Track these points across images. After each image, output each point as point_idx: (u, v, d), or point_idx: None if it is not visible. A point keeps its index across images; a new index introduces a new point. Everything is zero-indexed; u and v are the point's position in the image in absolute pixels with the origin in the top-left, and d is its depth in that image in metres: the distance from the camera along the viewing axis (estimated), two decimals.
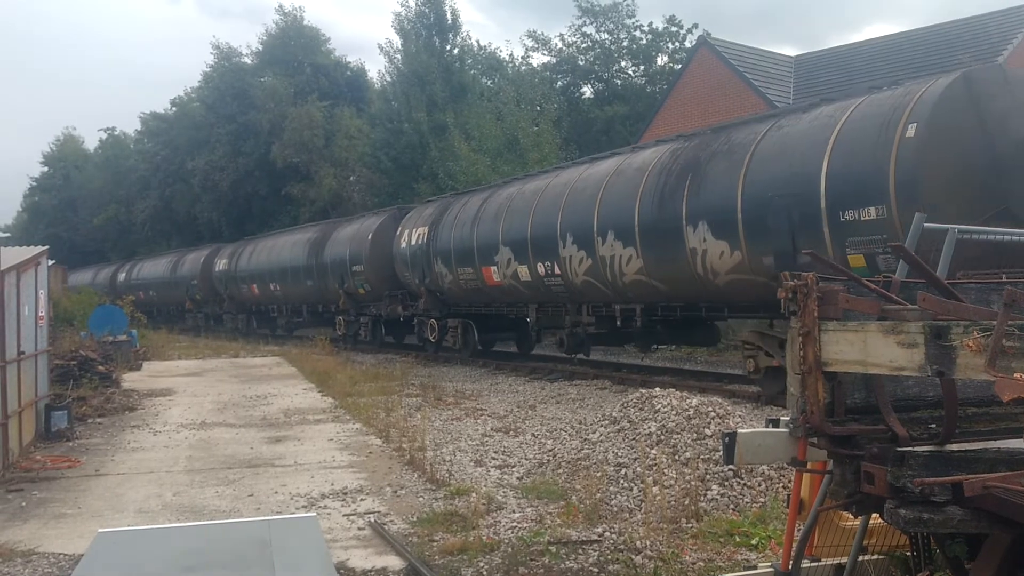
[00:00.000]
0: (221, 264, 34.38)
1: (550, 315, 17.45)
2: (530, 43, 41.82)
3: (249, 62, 47.97)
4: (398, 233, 21.98)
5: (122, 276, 46.05)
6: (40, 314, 11.35)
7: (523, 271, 16.91)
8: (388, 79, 38.80)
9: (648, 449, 7.53)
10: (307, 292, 27.41)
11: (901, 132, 9.85)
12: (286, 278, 28.59)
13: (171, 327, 37.27)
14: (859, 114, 10.67)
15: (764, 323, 12.59)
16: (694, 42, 32.30)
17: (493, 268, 17.86)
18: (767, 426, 3.89)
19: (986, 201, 9.55)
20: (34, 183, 71.46)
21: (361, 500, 7.49)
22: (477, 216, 18.70)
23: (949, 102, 9.82)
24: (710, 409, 8.04)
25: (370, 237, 23.12)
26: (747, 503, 6.68)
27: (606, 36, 39.63)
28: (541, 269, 16.34)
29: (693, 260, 12.59)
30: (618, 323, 15.03)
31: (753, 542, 5.81)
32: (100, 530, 4.45)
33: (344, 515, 6.99)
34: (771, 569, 4.46)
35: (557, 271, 15.85)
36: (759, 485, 6.91)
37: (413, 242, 20.77)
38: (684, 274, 12.94)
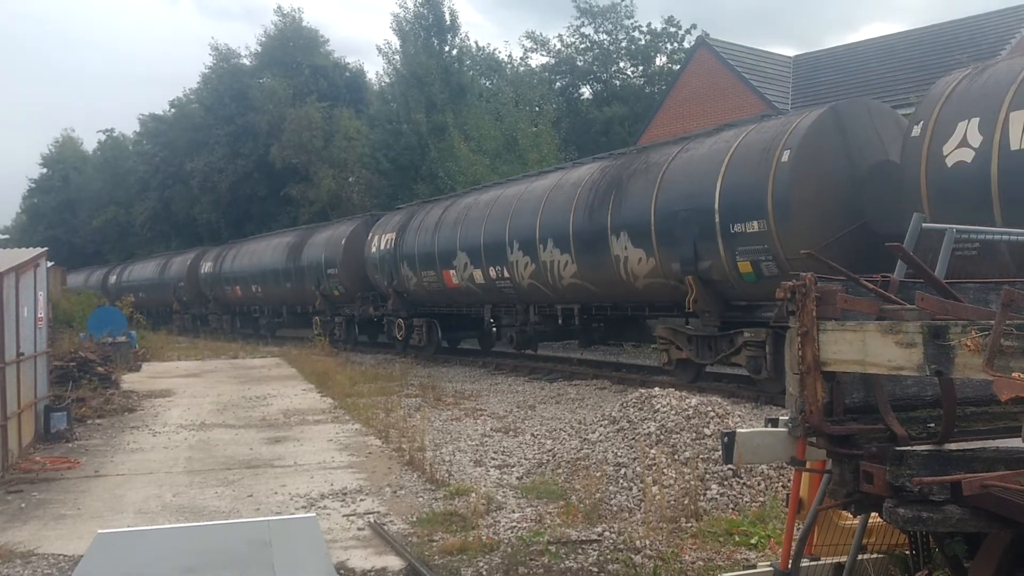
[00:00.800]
0: (206, 267, 35.57)
1: (503, 314, 19.21)
2: (529, 44, 41.88)
3: (248, 63, 47.95)
4: (369, 238, 23.72)
5: (113, 278, 46.95)
6: (39, 315, 11.35)
7: (478, 275, 18.46)
8: (387, 80, 38.85)
9: (647, 449, 7.53)
10: (286, 294, 28.81)
11: (778, 157, 11.40)
12: (267, 280, 29.92)
13: (158, 328, 37.64)
14: (748, 140, 12.27)
15: (679, 321, 13.92)
16: (692, 43, 32.35)
17: (452, 271, 19.34)
18: (766, 426, 3.90)
19: (848, 217, 11.12)
20: (33, 185, 71.41)
21: (361, 500, 7.49)
22: (438, 224, 20.25)
23: (818, 132, 11.38)
24: (709, 409, 8.05)
25: (343, 242, 24.70)
26: (746, 502, 6.69)
27: (605, 37, 39.70)
28: (493, 273, 17.86)
29: (617, 265, 14.23)
30: (560, 321, 16.70)
31: (752, 541, 5.82)
32: (99, 531, 4.45)
33: (344, 515, 7.00)
34: (770, 568, 4.47)
35: (507, 275, 17.44)
36: (758, 484, 6.92)
37: (382, 247, 22.57)
38: (611, 278, 14.55)
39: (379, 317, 24.12)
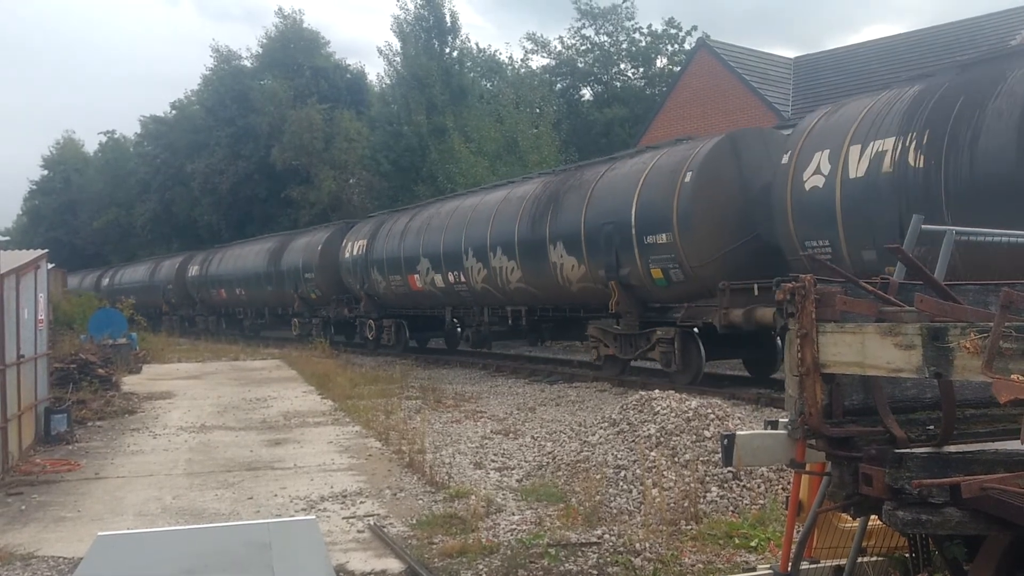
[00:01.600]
0: (193, 270, 37.25)
1: (462, 315, 20.88)
2: (529, 45, 41.82)
3: (249, 65, 48.01)
4: (343, 245, 25.51)
5: (106, 281, 48.16)
6: (40, 317, 11.36)
7: (439, 279, 20.12)
8: (387, 82, 38.87)
9: (647, 451, 7.53)
10: (268, 296, 30.53)
11: (682, 178, 13.04)
12: (250, 283, 31.67)
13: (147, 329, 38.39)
14: (660, 162, 13.93)
15: (610, 321, 15.13)
16: (693, 44, 32.38)
17: (416, 276, 21.05)
18: (766, 428, 3.90)
19: (742, 230, 12.79)
20: (34, 186, 71.48)
21: (361, 503, 7.49)
22: (404, 232, 22.00)
23: (716, 156, 13.02)
24: (709, 411, 8.05)
25: (320, 248, 26.42)
26: (746, 505, 6.68)
27: (605, 38, 39.69)
28: (451, 277, 19.55)
29: (555, 271, 15.89)
30: (510, 322, 18.25)
31: (752, 544, 5.82)
32: (100, 533, 4.45)
33: (344, 518, 6.99)
34: (770, 571, 4.46)
35: (463, 279, 19.05)
36: (758, 487, 6.92)
37: (355, 253, 24.34)
38: (550, 282, 16.22)
39: (352, 318, 25.65)
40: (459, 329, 21.99)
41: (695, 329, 13.31)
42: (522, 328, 18.44)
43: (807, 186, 11.47)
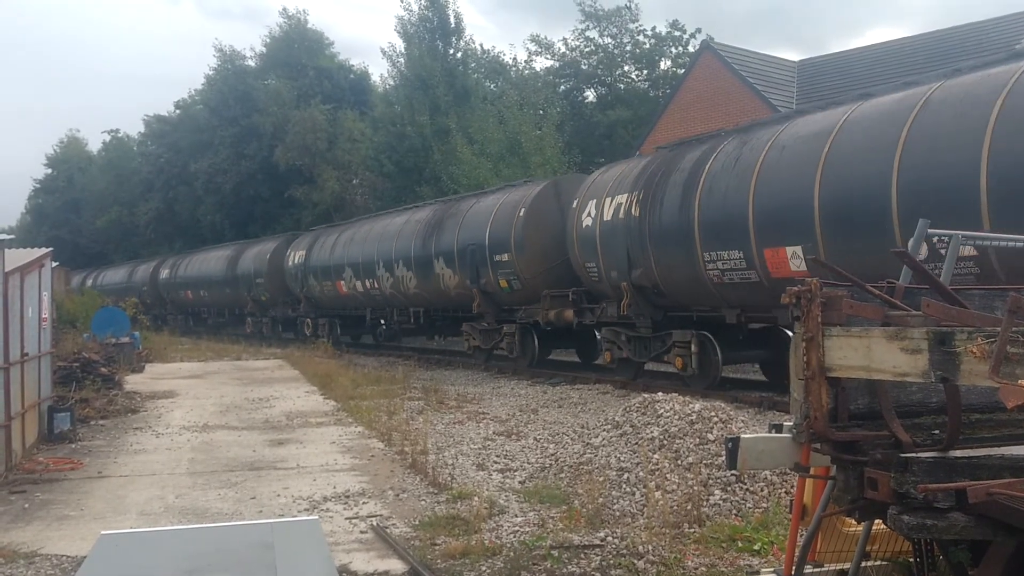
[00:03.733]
0: (164, 273, 41.65)
1: (378, 315, 25.05)
2: (533, 47, 41.67)
3: (252, 65, 48.04)
4: (287, 254, 29.91)
5: (89, 282, 49.73)
6: (43, 316, 11.37)
7: (359, 285, 24.40)
8: (391, 83, 38.85)
9: (651, 454, 7.52)
10: (226, 298, 34.71)
11: (518, 212, 17.38)
12: (211, 286, 35.65)
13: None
14: (506, 199, 18.41)
15: (478, 320, 19.48)
16: (697, 47, 32.29)
17: (343, 282, 25.29)
18: (770, 432, 3.89)
19: (559, 252, 16.76)
20: (38, 185, 71.62)
21: (363, 503, 7.49)
22: (334, 245, 26.31)
23: (542, 197, 17.37)
24: (712, 414, 8.03)
25: (268, 256, 30.68)
26: (750, 508, 6.67)
27: (609, 40, 39.63)
28: (368, 284, 23.79)
29: (439, 280, 20.24)
30: (411, 321, 22.71)
31: (756, 547, 5.81)
32: (103, 532, 4.44)
33: (346, 518, 6.99)
34: (774, 574, 4.45)
35: (376, 286, 23.33)
36: (762, 490, 6.91)
37: (296, 261, 28.84)
38: (436, 289, 20.59)
39: (295, 317, 29.84)
40: (384, 328, 26.03)
41: (530, 324, 17.86)
42: (422, 325, 23.04)
43: (583, 224, 15.75)
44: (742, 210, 11.82)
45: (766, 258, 11.57)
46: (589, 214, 15.44)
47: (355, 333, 28.17)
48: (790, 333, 11.47)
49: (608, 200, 14.93)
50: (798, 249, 11.01)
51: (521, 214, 17.17)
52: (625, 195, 14.48)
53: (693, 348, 13.40)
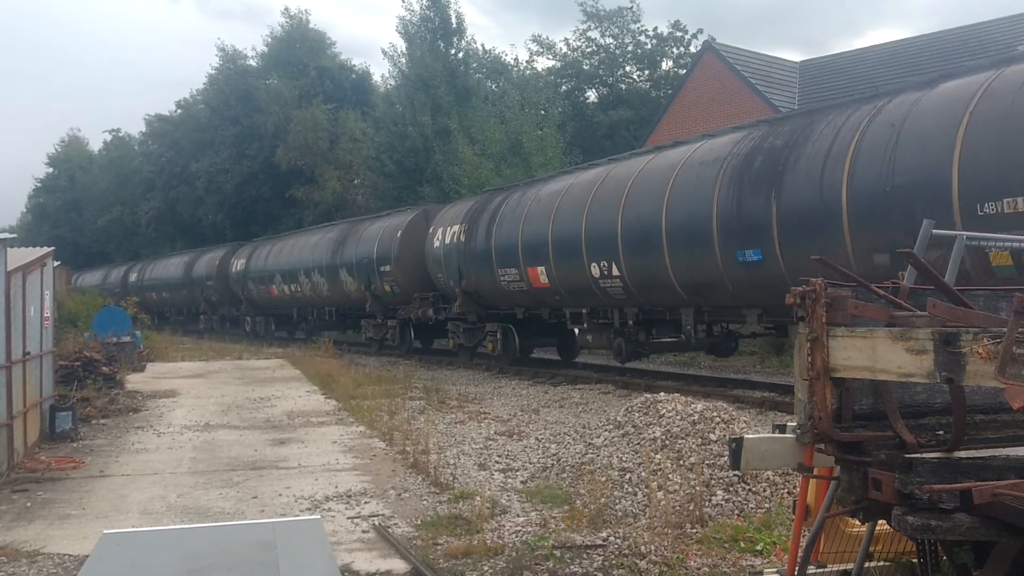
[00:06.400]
0: (133, 276, 46.91)
1: (303, 314, 30.66)
2: (535, 47, 41.67)
3: (254, 64, 48.04)
4: (232, 262, 35.39)
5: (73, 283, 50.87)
6: (45, 315, 11.37)
7: (286, 289, 30.26)
8: (392, 83, 38.85)
9: (653, 454, 7.51)
10: (183, 299, 40.61)
11: (397, 234, 22.63)
12: (171, 288, 41.19)
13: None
14: (390, 223, 23.61)
15: (372, 319, 24.97)
16: (699, 47, 32.31)
17: (274, 286, 31.17)
18: (774, 432, 3.89)
19: (425, 267, 21.62)
20: (39, 184, 71.68)
21: (365, 503, 7.49)
22: (267, 255, 32.17)
23: (414, 223, 22.49)
24: (715, 414, 8.02)
25: (217, 263, 36.13)
26: (752, 508, 6.66)
27: (611, 41, 39.61)
28: (293, 288, 29.60)
29: (344, 286, 25.65)
30: (327, 318, 28.83)
31: (758, 548, 5.80)
32: (105, 531, 4.44)
33: (348, 518, 6.99)
34: (777, 575, 4.45)
35: (299, 290, 29.21)
36: (764, 491, 6.90)
37: (239, 268, 34.27)
38: (341, 293, 26.10)
39: (238, 316, 35.43)
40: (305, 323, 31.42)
41: (408, 319, 23.07)
42: (335, 321, 28.61)
43: (435, 245, 20.93)
44: (515, 241, 17.49)
45: (529, 274, 17.10)
46: (438, 238, 20.78)
47: (285, 328, 33.15)
48: (576, 330, 16.86)
49: (449, 228, 20.32)
50: (543, 268, 16.63)
51: (399, 235, 22.43)
52: (458, 225, 19.93)
53: (499, 335, 19.31)
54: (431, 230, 21.25)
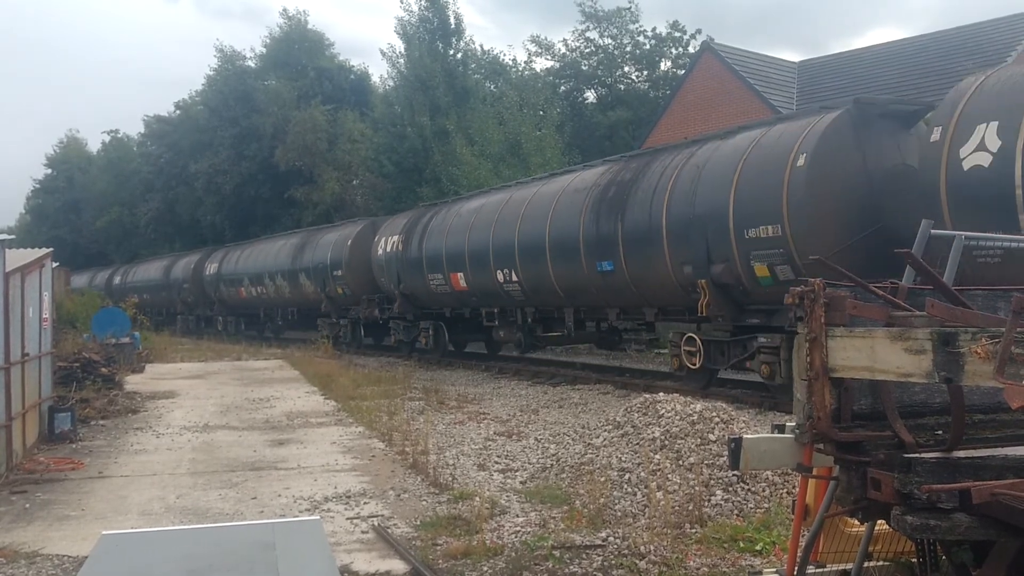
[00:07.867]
0: (117, 279, 49.53)
1: (269, 314, 33.23)
2: (533, 48, 41.66)
3: (253, 65, 47.99)
4: (206, 265, 37.76)
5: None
6: (44, 316, 11.36)
7: (254, 291, 32.86)
8: (391, 83, 38.83)
9: (652, 454, 7.52)
10: (162, 300, 42.96)
11: (347, 243, 25.59)
12: (151, 290, 43.43)
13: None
14: (343, 232, 26.67)
15: (327, 318, 27.70)
16: (697, 47, 32.30)
17: (243, 288, 33.68)
18: (773, 432, 3.89)
19: (372, 272, 24.34)
20: (37, 185, 71.53)
21: (364, 503, 7.49)
22: (237, 259, 34.65)
23: (363, 232, 25.22)
24: (714, 414, 8.03)
25: (192, 266, 38.63)
26: (751, 508, 6.67)
27: (609, 41, 39.60)
28: (259, 291, 32.18)
29: (303, 289, 28.34)
30: (290, 317, 31.13)
31: (757, 548, 5.81)
32: (104, 532, 4.44)
33: (347, 518, 6.99)
34: (776, 575, 4.45)
35: (265, 292, 31.64)
36: (763, 491, 6.90)
37: (212, 271, 36.97)
38: (301, 295, 28.77)
39: (211, 316, 38.13)
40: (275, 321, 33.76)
41: (359, 318, 25.71)
42: (297, 321, 30.90)
43: (378, 253, 23.62)
44: (440, 251, 20.23)
45: (452, 279, 19.77)
46: (382, 247, 23.33)
47: (254, 327, 35.16)
48: (492, 326, 18.83)
49: (391, 238, 22.90)
50: (462, 273, 19.27)
51: (349, 244, 25.19)
52: (397, 236, 22.53)
53: (431, 332, 21.77)
54: (376, 239, 24.21)
